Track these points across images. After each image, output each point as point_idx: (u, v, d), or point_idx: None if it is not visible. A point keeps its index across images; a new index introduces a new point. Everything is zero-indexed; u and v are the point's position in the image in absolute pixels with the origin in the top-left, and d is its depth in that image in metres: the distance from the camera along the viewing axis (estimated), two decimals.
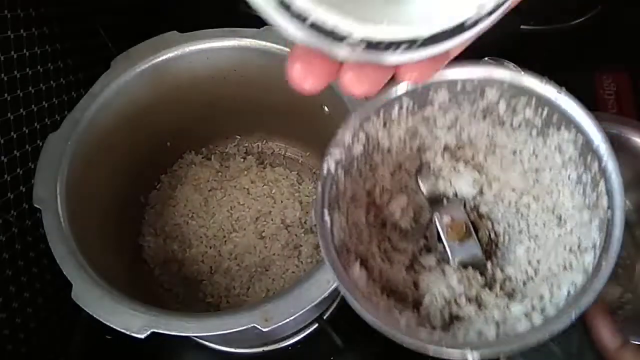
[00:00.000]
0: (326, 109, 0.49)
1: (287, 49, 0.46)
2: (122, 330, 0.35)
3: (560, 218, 0.30)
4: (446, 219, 0.31)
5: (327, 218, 0.28)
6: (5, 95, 0.45)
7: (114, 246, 0.48)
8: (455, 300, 0.30)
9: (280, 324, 0.35)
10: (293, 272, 0.52)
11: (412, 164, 0.33)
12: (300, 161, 0.61)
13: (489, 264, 0.32)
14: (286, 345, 0.55)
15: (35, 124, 0.49)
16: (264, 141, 0.62)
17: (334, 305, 0.56)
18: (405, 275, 0.32)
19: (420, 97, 0.29)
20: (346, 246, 0.30)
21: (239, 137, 0.62)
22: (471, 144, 0.32)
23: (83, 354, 0.56)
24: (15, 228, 0.47)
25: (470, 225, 0.32)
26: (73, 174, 0.42)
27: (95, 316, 0.36)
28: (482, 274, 0.31)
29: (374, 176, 0.32)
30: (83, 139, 0.43)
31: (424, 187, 0.33)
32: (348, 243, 0.30)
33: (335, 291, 0.37)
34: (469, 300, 0.30)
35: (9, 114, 0.45)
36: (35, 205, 0.40)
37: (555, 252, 0.29)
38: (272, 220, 0.55)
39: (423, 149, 0.32)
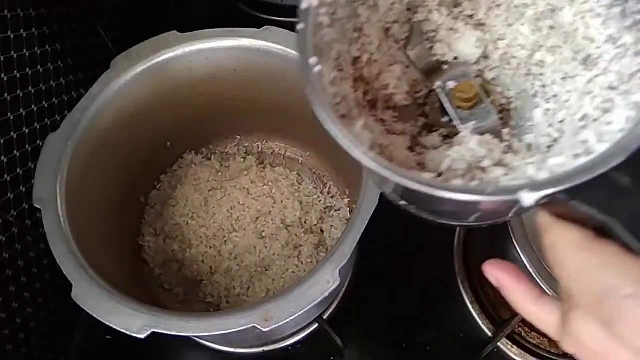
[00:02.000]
0: None
1: (287, 49, 0.46)
2: (122, 330, 0.35)
3: (587, 60, 0.26)
4: (450, 84, 0.27)
5: (317, 68, 0.23)
6: (5, 95, 0.45)
7: (114, 246, 0.48)
8: (478, 165, 0.25)
9: (280, 324, 0.35)
10: (293, 272, 0.52)
11: (400, 29, 0.29)
12: (300, 161, 0.61)
13: (504, 132, 0.27)
14: (286, 345, 0.55)
15: (35, 124, 0.49)
16: (264, 141, 0.62)
17: (334, 305, 0.56)
18: (409, 153, 0.28)
19: None
20: (339, 113, 0.25)
21: (239, 137, 0.62)
22: None
23: (83, 354, 0.56)
24: (15, 228, 0.47)
25: (479, 87, 0.27)
26: (73, 174, 0.42)
27: (95, 316, 0.36)
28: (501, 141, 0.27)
29: (360, 40, 0.28)
30: (83, 139, 0.43)
31: (415, 57, 0.29)
32: (341, 110, 0.26)
33: (335, 291, 0.36)
34: (494, 164, 0.25)
35: (9, 114, 0.45)
36: (35, 205, 0.40)
37: (592, 97, 0.25)
38: (272, 220, 0.55)
39: (414, 7, 0.28)
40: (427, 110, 0.29)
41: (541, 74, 0.28)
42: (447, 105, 0.27)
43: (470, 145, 0.25)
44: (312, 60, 0.23)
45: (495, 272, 0.26)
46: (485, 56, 0.29)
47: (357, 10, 0.27)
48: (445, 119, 0.28)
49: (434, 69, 0.29)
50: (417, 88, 0.30)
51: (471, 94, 0.27)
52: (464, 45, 0.28)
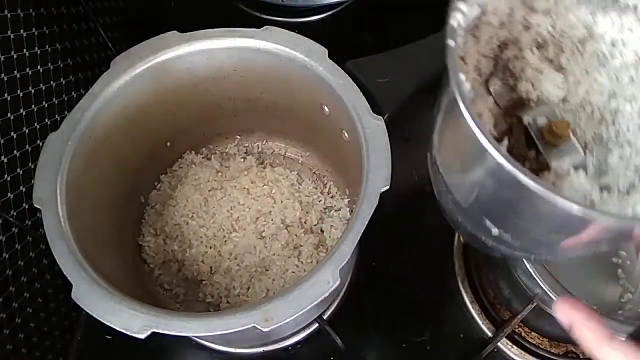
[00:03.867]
0: (326, 109, 0.49)
1: (287, 49, 0.46)
2: (122, 330, 0.35)
3: None
4: (541, 120, 0.28)
5: (468, 86, 0.24)
6: (5, 95, 0.45)
7: (114, 246, 0.48)
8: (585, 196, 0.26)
9: (280, 324, 0.35)
10: (293, 272, 0.52)
11: (486, 64, 0.30)
12: (300, 161, 0.61)
13: (590, 171, 0.28)
14: (286, 345, 0.55)
15: (35, 124, 0.49)
16: (264, 141, 0.62)
17: (334, 305, 0.56)
18: None
19: None
20: None
21: (239, 137, 0.62)
22: (558, 39, 0.29)
23: (83, 354, 0.56)
24: (15, 228, 0.47)
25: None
26: (73, 174, 0.42)
27: (95, 316, 0.36)
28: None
29: (462, 69, 0.28)
30: (83, 139, 0.43)
31: (497, 93, 0.30)
32: None
33: (336, 291, 0.36)
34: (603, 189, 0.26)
35: (9, 114, 0.45)
36: (35, 205, 0.40)
37: None
38: (272, 220, 0.55)
39: (505, 45, 0.29)
40: (509, 143, 0.30)
41: (614, 121, 0.28)
42: (537, 142, 0.28)
43: (580, 180, 0.26)
44: (462, 76, 0.24)
45: (568, 310, 0.26)
46: (564, 99, 0.29)
47: (466, 38, 0.28)
48: (531, 153, 0.29)
49: (514, 105, 0.30)
50: (496, 123, 0.30)
51: (565, 132, 0.27)
52: (549, 85, 0.29)
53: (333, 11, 0.73)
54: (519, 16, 0.29)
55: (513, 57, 0.29)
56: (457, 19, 0.25)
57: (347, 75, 0.45)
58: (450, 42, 0.25)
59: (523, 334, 0.56)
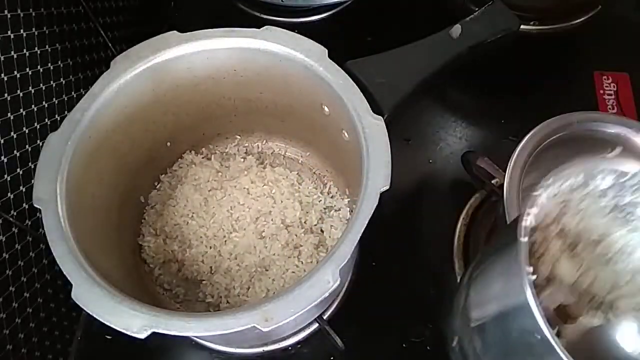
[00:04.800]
0: (326, 109, 0.49)
1: (287, 49, 0.46)
2: (122, 330, 0.35)
3: None
4: (559, 298, 0.32)
5: (534, 277, 0.27)
6: (5, 95, 0.45)
7: (114, 246, 0.48)
8: None
9: (280, 324, 0.35)
10: (293, 272, 0.52)
11: None
12: (300, 161, 0.61)
13: None
14: (286, 345, 0.55)
15: (35, 124, 0.49)
16: (264, 141, 0.62)
17: (334, 305, 0.56)
18: None
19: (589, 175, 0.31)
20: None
21: (239, 137, 0.62)
22: (576, 234, 0.32)
23: (83, 354, 0.56)
24: (15, 228, 0.47)
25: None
26: (73, 174, 0.42)
27: (95, 316, 0.36)
28: None
29: None
30: (83, 139, 0.43)
31: None
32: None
33: (336, 291, 0.36)
34: None
35: (9, 114, 0.45)
36: (35, 205, 0.40)
37: None
38: (272, 220, 0.55)
39: (534, 229, 0.32)
40: None
41: (610, 313, 0.32)
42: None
43: None
44: (530, 268, 0.27)
45: None
46: (573, 283, 0.33)
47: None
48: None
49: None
50: None
51: (579, 317, 0.31)
52: (564, 271, 0.32)
53: (333, 11, 0.73)
54: (554, 214, 0.32)
55: (540, 240, 0.32)
56: (530, 220, 0.29)
57: (347, 75, 0.45)
58: (524, 239, 0.28)
59: None
